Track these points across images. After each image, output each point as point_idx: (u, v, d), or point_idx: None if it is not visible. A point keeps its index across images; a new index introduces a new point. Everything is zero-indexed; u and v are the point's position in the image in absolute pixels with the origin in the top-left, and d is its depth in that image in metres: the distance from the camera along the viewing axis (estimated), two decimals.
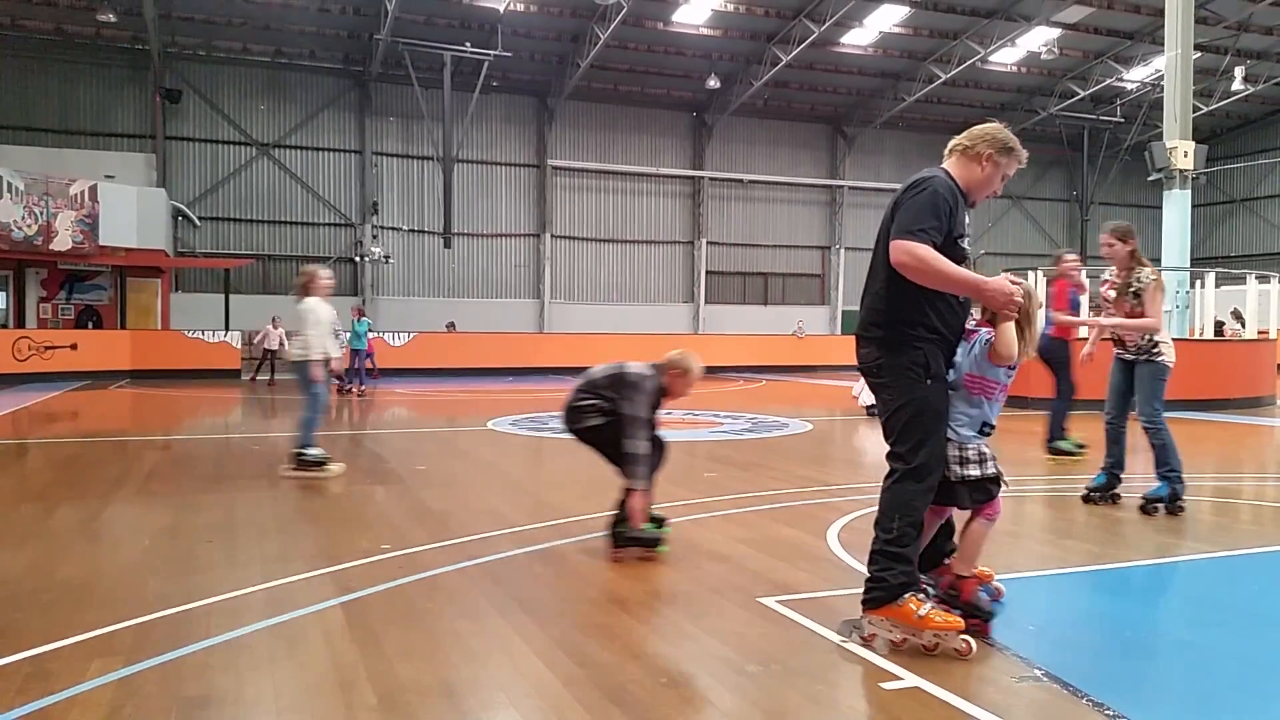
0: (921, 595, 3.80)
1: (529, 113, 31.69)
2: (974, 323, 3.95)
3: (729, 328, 32.46)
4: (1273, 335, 17.81)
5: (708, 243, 33.98)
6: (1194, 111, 19.96)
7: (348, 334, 17.53)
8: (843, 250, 35.75)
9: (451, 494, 7.46)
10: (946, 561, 4.21)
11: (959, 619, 3.75)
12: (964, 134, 4.11)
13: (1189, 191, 17.10)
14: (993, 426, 3.97)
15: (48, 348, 21.04)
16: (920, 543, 3.93)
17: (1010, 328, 3.77)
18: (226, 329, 24.47)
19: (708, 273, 34.09)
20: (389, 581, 4.81)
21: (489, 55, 26.11)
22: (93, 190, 22.24)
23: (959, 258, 3.73)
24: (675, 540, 5.85)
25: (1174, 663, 3.91)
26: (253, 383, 21.32)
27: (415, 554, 5.41)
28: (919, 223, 3.65)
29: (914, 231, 3.63)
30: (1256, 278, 18.00)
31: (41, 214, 21.23)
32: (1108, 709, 3.26)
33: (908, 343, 3.77)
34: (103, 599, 4.52)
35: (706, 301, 34.00)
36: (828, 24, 25.72)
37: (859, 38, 28.31)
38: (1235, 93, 31.91)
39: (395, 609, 4.39)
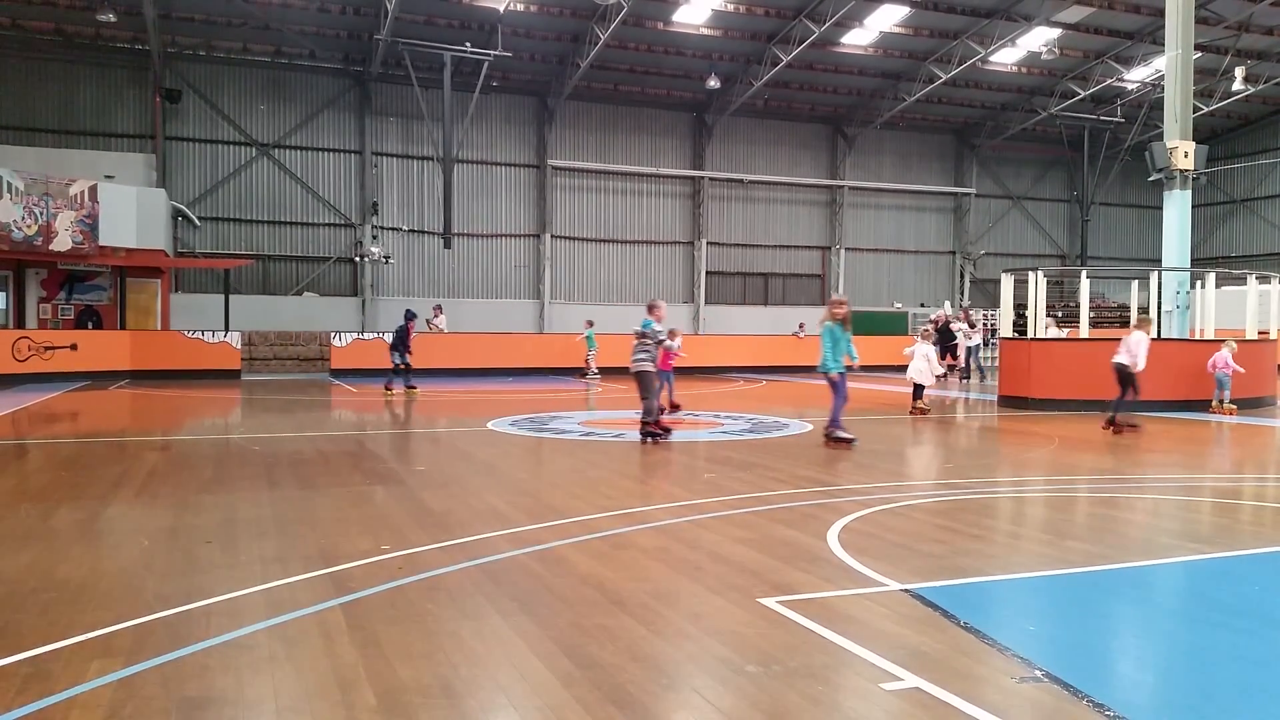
0: None
1: (529, 113, 31.69)
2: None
3: (729, 328, 32.47)
4: (1273, 336, 17.80)
5: (708, 243, 33.98)
6: (1194, 112, 19.95)
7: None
8: (843, 250, 35.74)
9: (451, 494, 7.45)
10: None
11: None
12: None
13: (1189, 192, 17.09)
14: None
15: (48, 348, 21.04)
16: None
17: None
18: (226, 329, 24.46)
19: (708, 273, 34.10)
20: (389, 582, 4.81)
21: (489, 55, 26.11)
22: (92, 190, 22.24)
23: None
24: (675, 541, 5.85)
25: (1174, 663, 3.91)
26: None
27: (415, 554, 5.41)
28: None
29: None
30: (1257, 278, 17.98)
31: (41, 214, 21.23)
32: (1108, 710, 3.26)
33: None
34: (102, 599, 4.52)
35: (707, 302, 34.00)
36: (828, 24, 25.72)
37: (859, 38, 28.31)
38: (1236, 93, 31.90)
39: (395, 609, 4.38)
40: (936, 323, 24.44)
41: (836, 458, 10.26)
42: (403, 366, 17.85)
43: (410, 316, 18.43)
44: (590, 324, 24.54)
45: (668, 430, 11.10)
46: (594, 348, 23.92)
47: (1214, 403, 14.96)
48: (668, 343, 12.29)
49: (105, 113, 27.34)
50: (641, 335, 11.04)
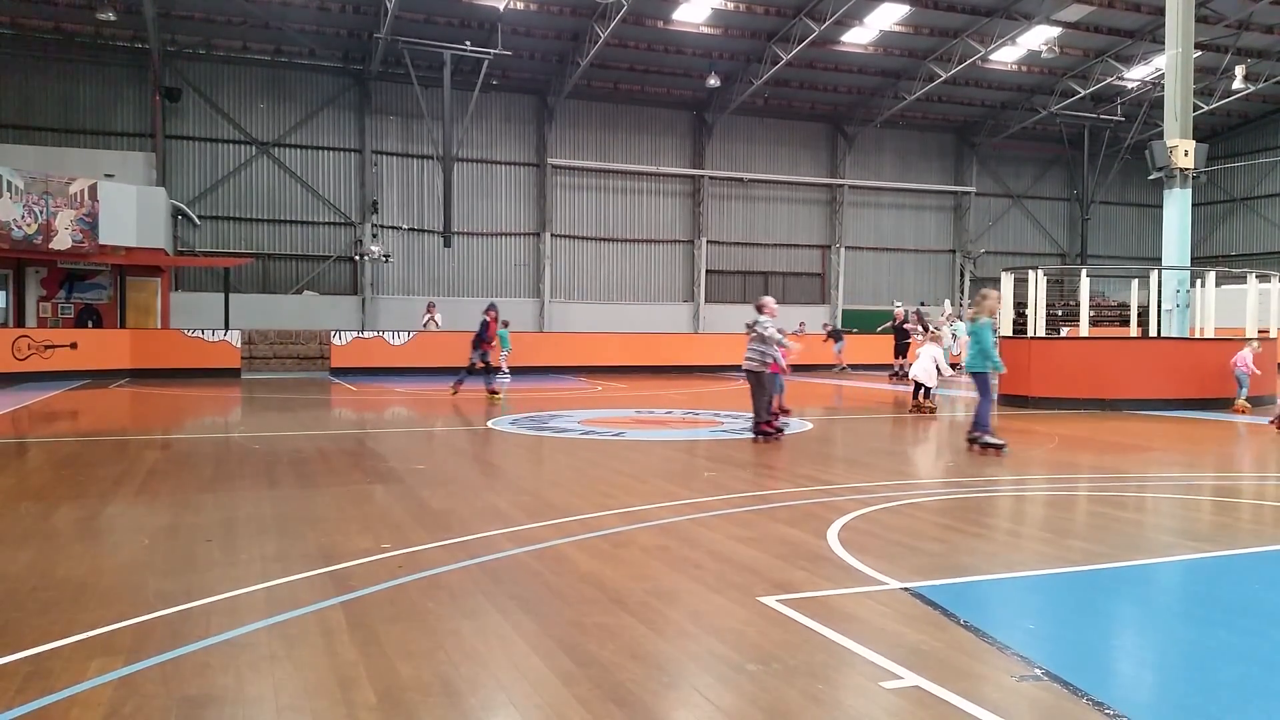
0: None
1: (529, 111, 31.67)
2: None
3: (729, 327, 32.40)
4: (1273, 335, 17.79)
5: (708, 241, 33.97)
6: (1194, 110, 19.93)
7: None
8: (843, 249, 35.73)
9: (451, 493, 7.45)
10: None
11: None
12: None
13: (1189, 190, 17.07)
14: None
15: (47, 347, 21.03)
16: None
17: None
18: (226, 328, 24.45)
19: (708, 272, 34.08)
20: (389, 580, 4.81)
21: (489, 54, 26.09)
22: (92, 189, 22.23)
23: None
24: (675, 539, 5.85)
25: (1174, 663, 3.91)
26: None
27: (415, 553, 5.41)
28: None
29: None
30: (1257, 277, 17.96)
31: (41, 213, 21.22)
32: (1108, 709, 3.26)
33: None
34: (103, 598, 4.52)
35: (706, 300, 33.97)
36: (828, 22, 25.70)
37: (859, 36, 28.29)
38: (1236, 91, 31.87)
39: (395, 608, 4.38)
40: (896, 319, 24.27)
41: (836, 457, 10.26)
42: (480, 365, 16.85)
43: (488, 308, 17.22)
44: (506, 324, 24.83)
45: (779, 430, 11.07)
46: (507, 348, 24.11)
47: (1237, 401, 15.12)
48: (785, 341, 11.75)
49: (105, 111, 27.32)
50: (755, 334, 10.89)
